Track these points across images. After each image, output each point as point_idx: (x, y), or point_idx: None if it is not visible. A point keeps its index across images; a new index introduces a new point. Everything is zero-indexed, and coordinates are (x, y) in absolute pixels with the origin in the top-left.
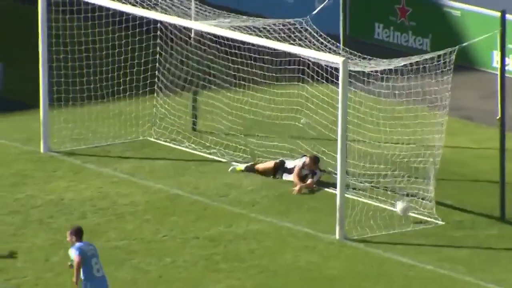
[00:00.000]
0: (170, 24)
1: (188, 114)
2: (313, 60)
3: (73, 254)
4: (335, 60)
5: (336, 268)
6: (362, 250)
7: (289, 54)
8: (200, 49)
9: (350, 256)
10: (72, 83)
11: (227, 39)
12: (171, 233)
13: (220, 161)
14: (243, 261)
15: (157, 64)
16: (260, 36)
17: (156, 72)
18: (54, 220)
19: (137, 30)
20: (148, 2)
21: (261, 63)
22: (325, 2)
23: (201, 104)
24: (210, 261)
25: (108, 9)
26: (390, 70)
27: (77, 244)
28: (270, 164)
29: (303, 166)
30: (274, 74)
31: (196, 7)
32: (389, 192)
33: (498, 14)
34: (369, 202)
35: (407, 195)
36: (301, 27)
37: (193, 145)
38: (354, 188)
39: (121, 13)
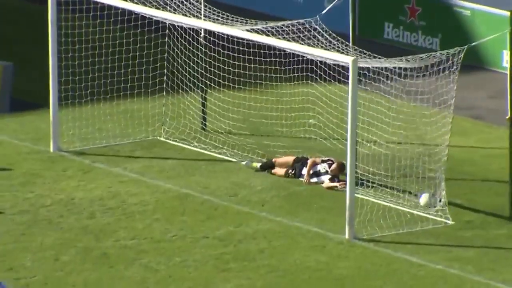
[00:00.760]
0: (179, 23)
1: (198, 113)
2: (322, 59)
3: None
4: (345, 59)
5: (346, 268)
6: (371, 250)
7: (299, 54)
8: (209, 48)
9: (360, 256)
10: (81, 82)
11: (236, 38)
12: (180, 232)
13: (230, 161)
14: (252, 260)
15: (165, 63)
16: (269, 35)
17: (165, 71)
18: (64, 219)
19: (146, 28)
20: (158, 1)
21: (270, 63)
22: (334, 2)
23: (210, 103)
24: (219, 261)
25: (116, 8)
26: (400, 68)
27: None
28: (290, 158)
29: (328, 163)
30: (283, 75)
31: (205, 10)
32: (399, 192)
33: (508, 13)
34: (379, 201)
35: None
36: (311, 27)
37: (202, 145)
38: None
39: (130, 12)
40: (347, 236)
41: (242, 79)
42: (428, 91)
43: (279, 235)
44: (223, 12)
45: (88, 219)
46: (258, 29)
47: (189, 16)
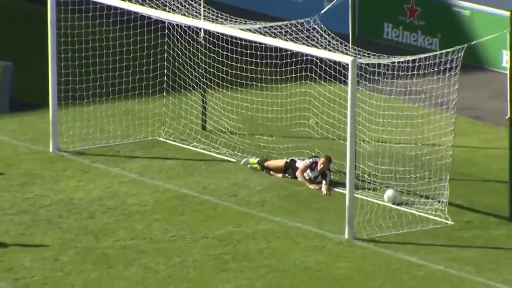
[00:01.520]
0: (178, 24)
1: (197, 113)
2: (321, 59)
3: None
4: (344, 59)
5: (345, 268)
6: (371, 250)
7: (298, 54)
8: (209, 48)
9: (359, 256)
10: (80, 82)
11: (236, 38)
12: (180, 232)
13: (229, 161)
14: (252, 261)
15: (165, 63)
16: (268, 35)
17: (165, 71)
18: (63, 219)
19: (146, 29)
20: (156, 1)
21: (270, 63)
22: (333, 2)
23: (210, 103)
24: (219, 261)
25: (116, 8)
26: (399, 68)
27: None
28: (281, 162)
29: (313, 166)
30: (283, 76)
31: (205, 10)
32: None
33: (508, 13)
34: (378, 202)
35: (421, 196)
36: (310, 26)
37: (202, 145)
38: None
39: (129, 12)
40: (346, 236)
41: (241, 79)
42: (428, 90)
43: (279, 235)
44: (222, 13)
45: (88, 219)
46: (257, 29)
47: (189, 16)
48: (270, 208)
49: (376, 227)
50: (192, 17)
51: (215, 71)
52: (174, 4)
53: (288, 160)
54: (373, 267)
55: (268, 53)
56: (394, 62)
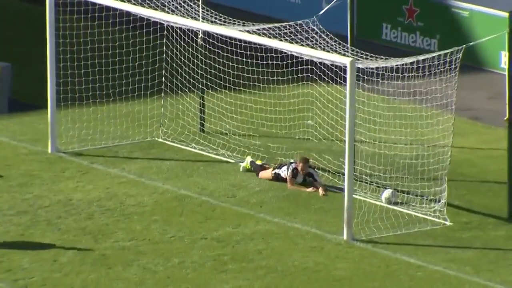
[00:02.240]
0: (177, 25)
1: (196, 115)
2: (320, 60)
3: None
4: (343, 60)
5: (344, 269)
6: (369, 251)
7: (297, 55)
8: (207, 50)
9: (358, 257)
10: (79, 83)
11: (235, 40)
12: (179, 233)
13: (228, 162)
14: (251, 261)
15: (164, 64)
16: (267, 36)
17: (164, 72)
18: (62, 220)
19: (144, 30)
20: (156, 2)
21: (268, 64)
22: (332, 3)
23: (209, 105)
24: (218, 262)
25: (115, 9)
26: (398, 69)
27: None
28: (268, 175)
29: (295, 172)
30: (281, 77)
31: (203, 11)
32: (398, 193)
33: (506, 14)
34: (377, 202)
35: (420, 196)
36: (308, 28)
37: (200, 146)
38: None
39: (128, 13)
40: (345, 237)
41: (240, 80)
42: (427, 91)
43: (277, 236)
44: (221, 14)
45: (87, 220)
46: (256, 30)
47: (187, 18)
48: (268, 209)
49: (375, 228)
50: (191, 19)
51: (213, 72)
52: (173, 5)
53: (273, 173)
54: (372, 268)
55: (269, 54)
56: (393, 65)
